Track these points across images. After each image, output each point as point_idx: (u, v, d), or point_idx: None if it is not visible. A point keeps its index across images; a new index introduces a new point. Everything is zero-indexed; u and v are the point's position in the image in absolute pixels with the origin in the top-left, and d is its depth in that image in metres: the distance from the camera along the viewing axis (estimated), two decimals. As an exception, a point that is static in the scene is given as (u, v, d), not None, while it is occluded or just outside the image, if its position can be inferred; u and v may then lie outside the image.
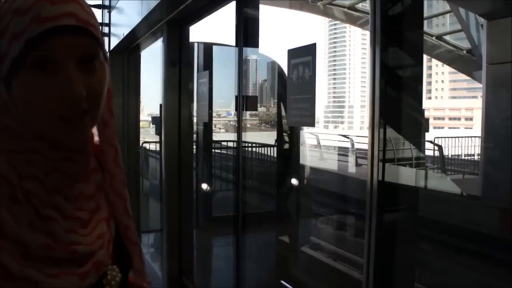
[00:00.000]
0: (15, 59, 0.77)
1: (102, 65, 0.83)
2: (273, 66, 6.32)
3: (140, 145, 6.25)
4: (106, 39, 5.96)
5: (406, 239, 2.52)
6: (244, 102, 3.68)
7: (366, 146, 2.22)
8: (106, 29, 5.93)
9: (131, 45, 5.67)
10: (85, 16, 0.80)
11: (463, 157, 8.79)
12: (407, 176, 4.08)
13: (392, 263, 2.33)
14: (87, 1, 0.84)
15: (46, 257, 0.78)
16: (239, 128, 3.53)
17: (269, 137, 6.46)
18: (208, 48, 4.79)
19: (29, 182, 0.80)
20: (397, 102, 2.52)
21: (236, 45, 3.54)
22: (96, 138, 0.97)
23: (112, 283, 0.92)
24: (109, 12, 5.88)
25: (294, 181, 4.56)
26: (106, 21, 6.03)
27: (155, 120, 5.43)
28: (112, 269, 0.92)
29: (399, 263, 2.35)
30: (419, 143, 4.43)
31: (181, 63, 4.29)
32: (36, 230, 0.78)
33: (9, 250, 0.75)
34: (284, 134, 5.34)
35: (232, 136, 3.79)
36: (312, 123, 2.73)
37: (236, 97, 3.60)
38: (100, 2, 6.31)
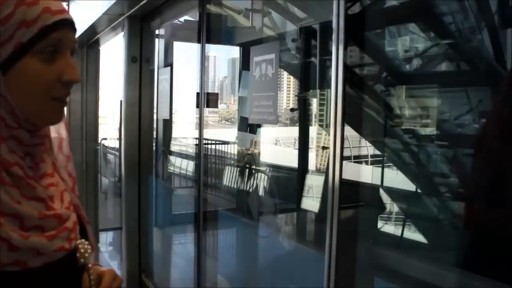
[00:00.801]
0: (23, 45, 0.86)
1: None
2: (234, 63, 6.31)
3: (99, 141, 6.14)
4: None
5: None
6: (206, 99, 3.66)
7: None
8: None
9: (91, 40, 5.56)
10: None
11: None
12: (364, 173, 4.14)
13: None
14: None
15: (38, 226, 0.89)
16: (201, 125, 3.51)
17: (230, 134, 6.46)
18: (170, 44, 4.73)
19: (13, 167, 0.88)
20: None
21: (199, 42, 3.52)
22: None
23: (86, 255, 1.00)
24: (68, 5, 5.74)
25: (254, 177, 4.58)
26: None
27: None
28: (82, 242, 1.01)
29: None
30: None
31: (142, 59, 4.24)
32: (30, 200, 0.89)
33: (9, 225, 0.85)
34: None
35: (194, 133, 3.76)
36: (275, 121, 2.74)
37: (198, 94, 3.58)
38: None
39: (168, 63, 4.42)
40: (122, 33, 4.37)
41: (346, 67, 2.17)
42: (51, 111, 0.93)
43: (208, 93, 3.73)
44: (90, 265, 1.02)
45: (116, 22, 4.42)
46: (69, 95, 0.95)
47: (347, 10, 2.31)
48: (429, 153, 4.19)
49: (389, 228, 3.95)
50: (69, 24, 0.93)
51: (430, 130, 4.14)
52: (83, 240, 1.01)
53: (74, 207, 1.04)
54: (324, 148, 5.29)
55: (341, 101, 2.12)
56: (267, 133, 5.83)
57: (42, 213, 0.90)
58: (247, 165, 4.45)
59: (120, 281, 1.11)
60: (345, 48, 2.19)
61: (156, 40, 4.49)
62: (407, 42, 4.20)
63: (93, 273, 1.03)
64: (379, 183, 4.14)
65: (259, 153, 5.33)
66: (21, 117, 0.89)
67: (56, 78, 0.90)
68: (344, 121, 2.17)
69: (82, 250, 0.99)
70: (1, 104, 0.87)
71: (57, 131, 1.10)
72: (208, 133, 5.12)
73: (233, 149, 6.04)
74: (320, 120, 5.18)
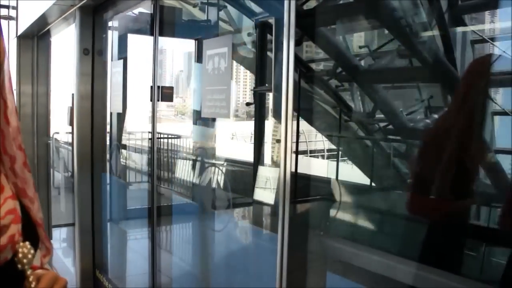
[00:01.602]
0: None
1: (1, 41, 0.86)
2: (190, 57, 6.26)
3: (51, 136, 5.99)
4: (13, 22, 5.66)
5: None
6: (160, 92, 3.63)
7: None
8: (13, 13, 5.63)
9: (41, 31, 5.41)
10: None
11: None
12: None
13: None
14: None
15: None
16: (154, 119, 3.48)
17: (185, 128, 6.41)
18: (123, 36, 4.66)
19: None
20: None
21: (152, 34, 3.48)
22: None
23: (24, 260, 0.92)
24: (17, -6, 5.59)
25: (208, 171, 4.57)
26: (14, 4, 5.71)
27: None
28: (23, 246, 0.93)
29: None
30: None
31: (94, 51, 4.16)
32: None
33: None
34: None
35: (148, 127, 3.72)
36: (227, 114, 2.74)
37: (151, 87, 3.54)
38: (7, -17, 5.96)
39: (122, 56, 4.36)
40: (74, 25, 4.28)
41: (300, 62, 2.19)
42: None
43: (162, 87, 3.70)
44: (29, 272, 0.94)
45: (68, 12, 4.31)
46: None
47: (302, 6, 2.33)
48: (382, 146, 4.28)
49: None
50: None
51: (383, 125, 4.24)
52: (26, 243, 0.94)
53: (25, 208, 0.98)
54: (278, 141, 5.33)
55: (291, 95, 2.14)
56: (223, 127, 5.83)
57: None
58: (198, 159, 4.44)
59: (63, 283, 1.03)
60: (298, 44, 2.21)
61: (109, 32, 4.41)
62: (361, 38, 4.27)
63: (34, 278, 0.95)
64: (334, 176, 4.20)
65: (214, 147, 5.33)
66: None
67: None
68: (295, 115, 2.19)
69: (20, 255, 0.92)
70: None
71: None
72: (163, 127, 5.08)
73: (187, 143, 6.01)
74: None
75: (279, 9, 4.68)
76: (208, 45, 2.83)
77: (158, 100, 3.55)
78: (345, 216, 4.03)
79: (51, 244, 1.08)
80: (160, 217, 3.61)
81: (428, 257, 1.78)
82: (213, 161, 4.48)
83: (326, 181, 3.68)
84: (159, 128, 3.65)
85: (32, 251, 0.94)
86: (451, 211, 1.69)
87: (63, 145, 6.23)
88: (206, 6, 5.29)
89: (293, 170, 2.19)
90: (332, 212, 3.24)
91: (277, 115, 5.12)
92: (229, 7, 5.33)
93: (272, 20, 4.91)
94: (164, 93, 3.75)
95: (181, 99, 7.15)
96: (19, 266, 0.91)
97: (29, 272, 0.93)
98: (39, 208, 1.03)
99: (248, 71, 6.47)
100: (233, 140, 8.68)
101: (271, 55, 5.02)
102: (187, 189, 4.99)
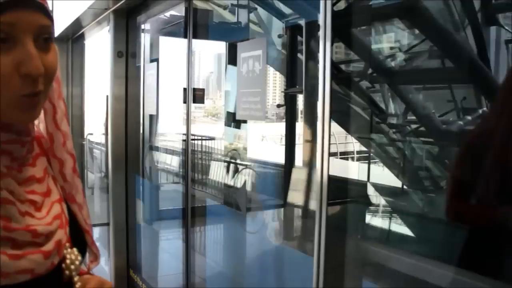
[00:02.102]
0: None
1: (54, 47, 0.82)
2: (220, 58, 6.29)
3: (85, 137, 6.10)
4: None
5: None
6: (192, 94, 3.66)
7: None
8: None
9: (76, 34, 5.51)
10: None
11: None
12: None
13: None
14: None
15: (7, 238, 0.75)
16: (188, 121, 3.51)
17: (216, 129, 6.43)
18: (155, 39, 4.71)
19: None
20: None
21: (185, 37, 3.51)
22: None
23: (72, 267, 0.90)
24: None
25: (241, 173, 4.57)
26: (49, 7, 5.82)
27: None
28: (71, 252, 0.91)
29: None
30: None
31: (128, 54, 4.22)
32: None
33: None
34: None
35: (180, 128, 3.76)
36: (262, 117, 2.75)
37: (185, 89, 3.58)
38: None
39: (154, 58, 4.41)
40: (107, 28, 4.34)
41: (332, 64, 2.18)
42: (20, 111, 0.77)
43: (194, 89, 3.73)
44: (76, 278, 0.92)
45: (102, 16, 4.39)
46: (39, 89, 0.78)
47: (332, 7, 2.32)
48: (414, 148, 4.23)
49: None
50: (26, 4, 0.75)
51: (415, 127, 4.18)
52: (74, 249, 0.92)
53: (73, 213, 0.95)
54: (309, 142, 5.32)
55: (328, 97, 2.14)
56: (254, 129, 5.83)
57: (8, 226, 0.76)
58: (231, 160, 4.44)
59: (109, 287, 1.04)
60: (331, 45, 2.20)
61: (142, 35, 4.47)
62: (392, 39, 4.23)
63: (81, 285, 0.94)
64: (365, 179, 4.17)
65: (245, 148, 5.33)
66: None
67: (15, 70, 0.74)
68: (331, 117, 2.18)
69: (68, 261, 0.90)
70: None
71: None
72: (195, 129, 5.10)
73: (219, 145, 6.03)
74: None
75: (310, 11, 4.68)
76: (243, 48, 2.84)
77: (191, 102, 3.58)
78: (377, 219, 4.00)
79: (98, 250, 1.05)
80: (194, 218, 3.63)
81: (469, 262, 1.75)
82: (246, 163, 4.48)
83: (358, 184, 3.66)
84: (192, 130, 3.68)
85: (79, 258, 0.93)
86: (495, 217, 1.63)
87: (96, 146, 6.34)
88: (236, 8, 5.31)
89: (328, 172, 2.18)
90: (365, 215, 3.22)
91: (308, 116, 5.12)
92: (259, 9, 5.33)
93: (302, 22, 4.92)
94: (196, 95, 3.78)
95: (211, 101, 7.19)
96: (67, 272, 0.90)
97: (76, 278, 0.92)
98: (88, 215, 1.01)
99: (277, 73, 6.47)
100: (263, 142, 8.71)
101: (301, 56, 5.02)
102: (220, 191, 5.00)
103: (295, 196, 4.78)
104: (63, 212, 0.92)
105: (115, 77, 4.19)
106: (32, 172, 0.86)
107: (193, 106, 3.77)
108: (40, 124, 0.97)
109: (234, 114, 5.54)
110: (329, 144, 2.17)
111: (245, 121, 5.41)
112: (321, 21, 2.18)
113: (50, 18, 0.80)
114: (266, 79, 2.76)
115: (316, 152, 2.17)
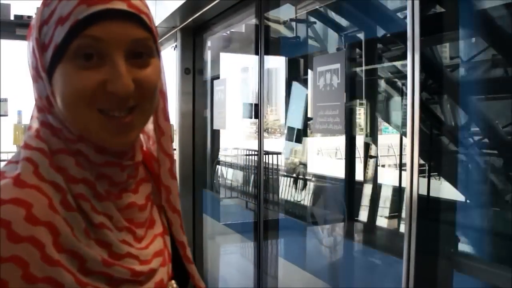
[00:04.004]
0: (58, 47, 0.68)
1: (154, 61, 0.74)
2: (271, 73, 6.32)
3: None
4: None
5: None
6: (253, 110, 3.68)
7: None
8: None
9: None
10: (138, 3, 0.71)
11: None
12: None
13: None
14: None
15: (103, 273, 0.69)
16: (260, 135, 3.51)
17: (272, 144, 6.44)
18: (219, 55, 4.79)
19: (78, 186, 0.71)
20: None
21: (256, 53, 3.53)
22: (149, 147, 0.90)
23: None
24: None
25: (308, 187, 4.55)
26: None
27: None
28: (170, 284, 0.84)
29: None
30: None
31: (194, 71, 4.28)
32: (91, 240, 0.70)
33: (66, 265, 0.65)
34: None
35: (251, 144, 3.78)
36: (341, 131, 2.72)
37: (256, 105, 3.59)
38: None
39: (219, 74, 4.47)
40: (172, 45, 4.43)
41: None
42: (98, 126, 0.70)
43: (255, 104, 3.75)
44: None
45: (169, 34, 4.48)
46: (128, 112, 0.71)
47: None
48: (477, 161, 4.10)
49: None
50: (117, 16, 0.68)
51: (477, 138, 4.06)
52: (172, 281, 0.84)
53: (179, 246, 0.87)
54: (372, 157, 5.24)
55: (418, 112, 2.09)
56: (312, 143, 5.81)
57: (106, 260, 0.70)
58: (300, 176, 4.43)
59: None
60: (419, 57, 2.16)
61: (207, 51, 4.54)
62: (452, 49, 4.13)
63: None
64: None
65: (305, 163, 5.30)
66: (74, 131, 0.72)
67: (100, 86, 0.68)
68: (419, 130, 2.14)
69: None
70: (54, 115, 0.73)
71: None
72: (251, 143, 5.12)
73: (278, 160, 6.03)
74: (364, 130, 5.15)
75: (368, 23, 4.63)
76: (319, 62, 2.84)
77: (254, 118, 3.59)
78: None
79: (204, 285, 0.92)
80: (266, 231, 3.62)
81: None
82: (310, 178, 4.47)
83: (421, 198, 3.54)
84: (249, 145, 3.69)
85: None
86: None
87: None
88: (295, 23, 5.32)
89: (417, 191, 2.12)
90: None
91: (371, 130, 5.05)
92: (318, 23, 5.33)
93: (361, 35, 4.89)
94: (255, 110, 3.80)
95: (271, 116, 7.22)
96: None
97: None
98: (188, 249, 0.89)
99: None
100: (318, 156, 8.66)
101: (359, 69, 4.98)
102: (291, 206, 4.95)
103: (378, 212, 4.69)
104: (166, 247, 0.84)
105: (182, 94, 4.25)
106: (133, 198, 0.79)
107: (247, 121, 3.78)
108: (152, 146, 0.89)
109: (296, 129, 5.56)
110: (418, 163, 2.11)
111: (306, 135, 5.40)
112: (408, 31, 2.15)
113: (149, 30, 0.72)
114: (344, 93, 2.74)
115: (394, 168, 2.12)
